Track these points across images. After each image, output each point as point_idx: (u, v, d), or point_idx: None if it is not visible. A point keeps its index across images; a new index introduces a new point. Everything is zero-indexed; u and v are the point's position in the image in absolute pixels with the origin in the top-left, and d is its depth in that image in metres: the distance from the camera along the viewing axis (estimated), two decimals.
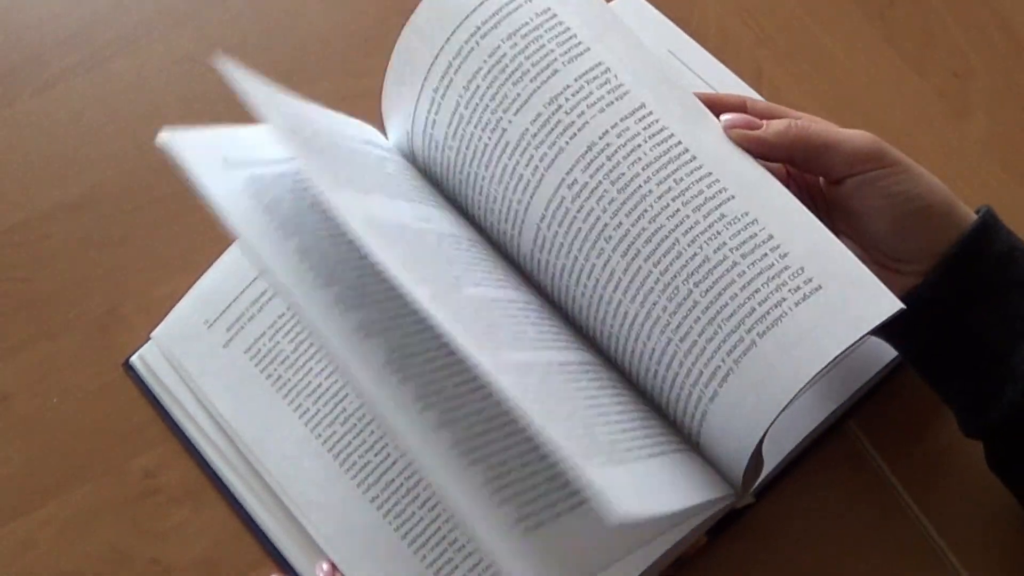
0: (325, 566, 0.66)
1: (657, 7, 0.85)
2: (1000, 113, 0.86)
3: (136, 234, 0.80)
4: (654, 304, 0.61)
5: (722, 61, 0.83)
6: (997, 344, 0.64)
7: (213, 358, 0.71)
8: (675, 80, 0.64)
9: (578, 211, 0.63)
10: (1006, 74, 0.87)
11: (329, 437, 0.68)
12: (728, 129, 0.63)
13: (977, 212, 0.66)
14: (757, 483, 0.66)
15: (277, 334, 0.71)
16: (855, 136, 0.65)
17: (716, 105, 0.65)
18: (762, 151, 0.63)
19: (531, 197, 0.65)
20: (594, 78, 0.64)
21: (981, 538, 0.71)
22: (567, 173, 0.63)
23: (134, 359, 0.74)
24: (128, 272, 0.78)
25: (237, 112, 0.84)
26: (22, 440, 0.73)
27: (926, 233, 0.65)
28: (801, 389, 0.57)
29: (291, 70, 0.86)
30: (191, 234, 0.79)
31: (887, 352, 0.72)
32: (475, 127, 0.67)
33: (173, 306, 0.74)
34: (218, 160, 0.64)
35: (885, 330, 0.64)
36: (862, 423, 0.74)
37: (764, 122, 0.64)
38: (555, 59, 0.65)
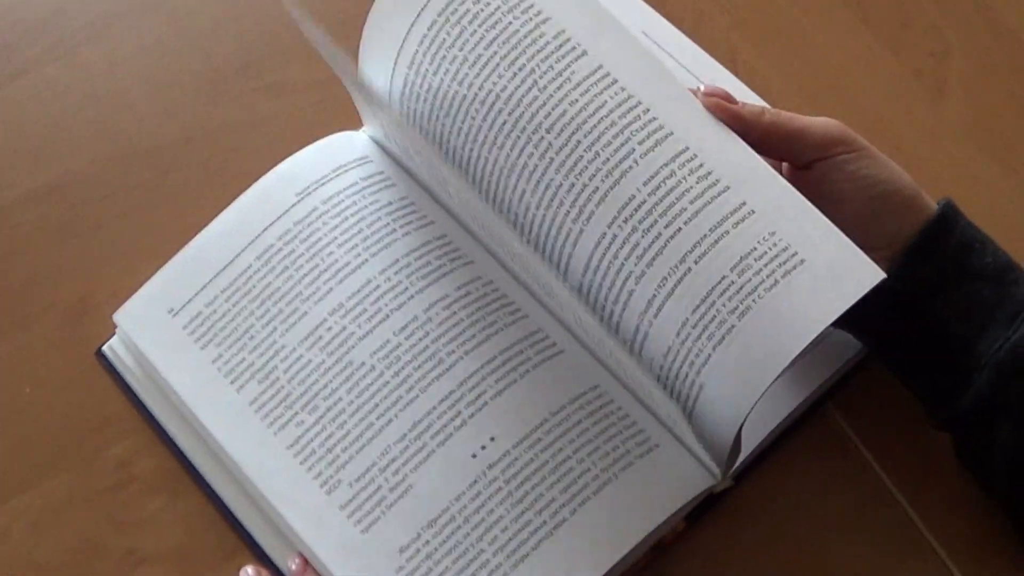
0: (297, 560, 0.65)
1: None
2: (977, 93, 0.85)
3: (108, 222, 0.79)
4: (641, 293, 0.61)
5: (697, 43, 0.83)
6: (961, 334, 0.65)
7: (177, 348, 0.70)
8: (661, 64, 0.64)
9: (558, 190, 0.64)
10: (983, 53, 0.87)
11: (294, 436, 0.68)
12: (706, 96, 0.63)
13: (938, 204, 0.67)
14: (735, 467, 0.66)
15: (243, 324, 0.70)
16: (824, 122, 0.66)
17: None
18: (737, 127, 0.63)
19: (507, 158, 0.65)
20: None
21: (962, 521, 0.70)
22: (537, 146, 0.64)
23: (106, 348, 0.74)
24: (100, 261, 0.78)
25: (208, 97, 0.84)
26: None
27: (893, 217, 0.66)
28: (787, 366, 0.57)
29: (262, 55, 0.86)
30: (164, 222, 0.78)
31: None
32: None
33: None
34: None
35: (851, 323, 0.64)
36: (841, 406, 0.74)
37: (740, 101, 0.64)
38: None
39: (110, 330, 0.73)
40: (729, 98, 0.63)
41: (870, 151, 0.66)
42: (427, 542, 0.64)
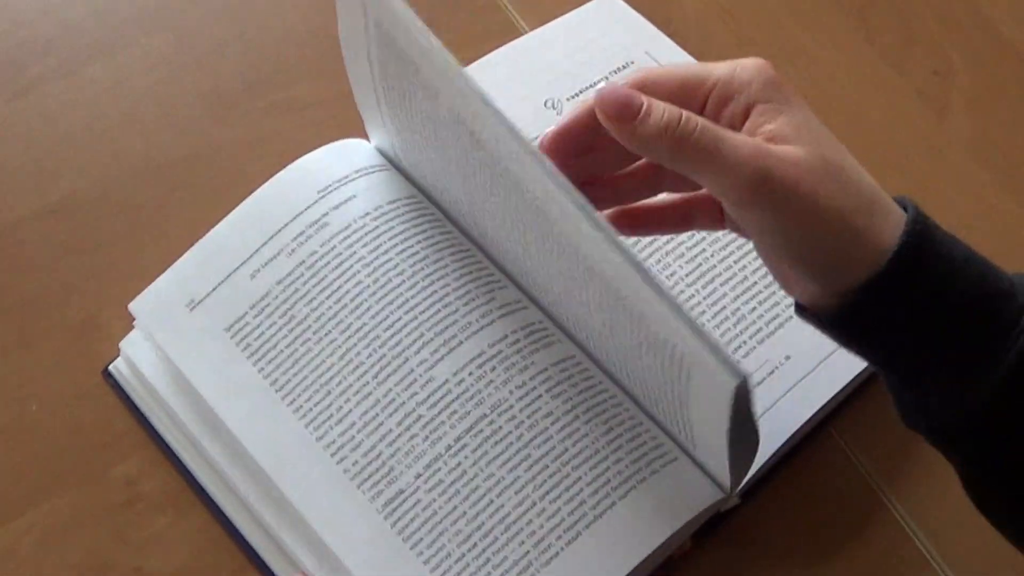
0: None
1: (635, 8, 0.85)
2: (981, 111, 0.86)
3: (114, 240, 0.79)
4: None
5: (702, 62, 0.83)
6: (976, 317, 0.54)
7: (195, 344, 0.70)
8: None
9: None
10: (987, 72, 0.87)
11: (325, 435, 0.68)
12: (597, 105, 0.54)
13: (900, 235, 0.54)
14: (742, 485, 0.66)
15: (269, 320, 0.70)
16: (740, 165, 0.52)
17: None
18: (631, 146, 0.54)
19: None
20: None
21: (965, 539, 0.71)
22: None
23: (112, 367, 0.74)
24: (106, 279, 0.78)
25: (215, 114, 0.84)
26: (0, 449, 0.72)
27: (841, 251, 0.54)
28: None
29: (269, 73, 0.86)
30: (171, 240, 0.78)
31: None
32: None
33: None
34: None
35: (841, 338, 0.57)
36: (844, 426, 0.74)
37: (645, 104, 0.53)
38: None
39: (117, 348, 0.73)
40: (624, 107, 0.53)
41: (801, 188, 0.52)
42: (456, 547, 0.65)
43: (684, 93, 0.56)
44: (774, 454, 0.70)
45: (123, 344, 0.72)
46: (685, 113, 0.53)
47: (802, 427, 0.71)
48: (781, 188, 0.52)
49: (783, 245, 0.54)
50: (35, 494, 0.71)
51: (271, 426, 0.68)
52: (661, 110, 0.53)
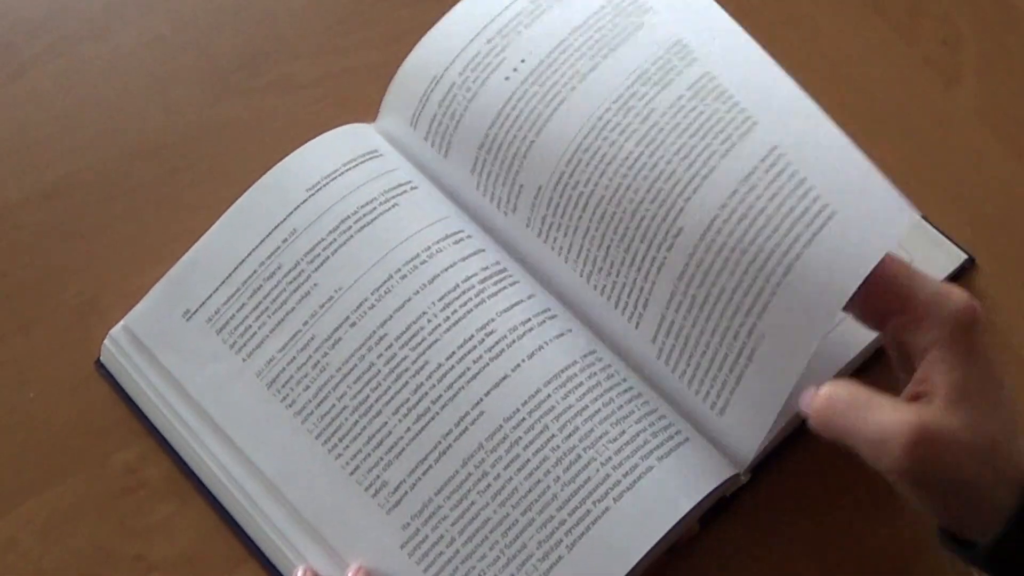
0: (300, 571, 0.65)
1: None
2: (990, 80, 0.85)
3: (112, 223, 0.78)
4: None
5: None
6: None
7: (193, 355, 0.70)
8: None
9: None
10: (996, 40, 0.86)
11: (323, 431, 0.67)
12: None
13: None
14: (752, 461, 0.65)
15: (263, 326, 0.69)
16: (885, 441, 0.55)
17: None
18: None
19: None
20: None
21: None
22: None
23: (103, 358, 0.73)
24: (105, 262, 0.77)
25: (212, 94, 0.83)
26: None
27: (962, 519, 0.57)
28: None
29: (267, 50, 0.85)
30: (169, 222, 0.77)
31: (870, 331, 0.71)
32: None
33: None
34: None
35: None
36: None
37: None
38: None
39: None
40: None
41: (945, 471, 0.54)
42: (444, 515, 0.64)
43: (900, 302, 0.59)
44: (781, 431, 0.69)
45: (127, 321, 0.72)
46: (832, 395, 0.58)
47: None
48: (921, 471, 0.54)
49: (914, 500, 0.57)
50: (35, 483, 0.71)
51: (273, 432, 0.68)
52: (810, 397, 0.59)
